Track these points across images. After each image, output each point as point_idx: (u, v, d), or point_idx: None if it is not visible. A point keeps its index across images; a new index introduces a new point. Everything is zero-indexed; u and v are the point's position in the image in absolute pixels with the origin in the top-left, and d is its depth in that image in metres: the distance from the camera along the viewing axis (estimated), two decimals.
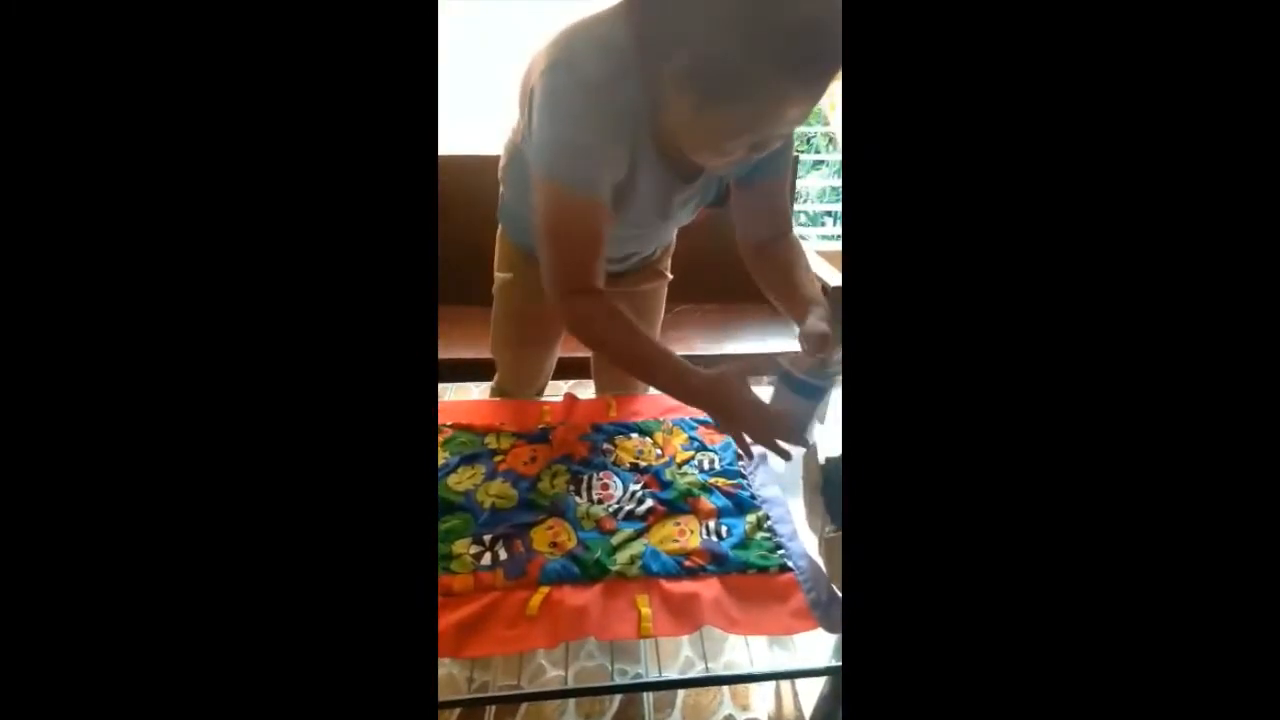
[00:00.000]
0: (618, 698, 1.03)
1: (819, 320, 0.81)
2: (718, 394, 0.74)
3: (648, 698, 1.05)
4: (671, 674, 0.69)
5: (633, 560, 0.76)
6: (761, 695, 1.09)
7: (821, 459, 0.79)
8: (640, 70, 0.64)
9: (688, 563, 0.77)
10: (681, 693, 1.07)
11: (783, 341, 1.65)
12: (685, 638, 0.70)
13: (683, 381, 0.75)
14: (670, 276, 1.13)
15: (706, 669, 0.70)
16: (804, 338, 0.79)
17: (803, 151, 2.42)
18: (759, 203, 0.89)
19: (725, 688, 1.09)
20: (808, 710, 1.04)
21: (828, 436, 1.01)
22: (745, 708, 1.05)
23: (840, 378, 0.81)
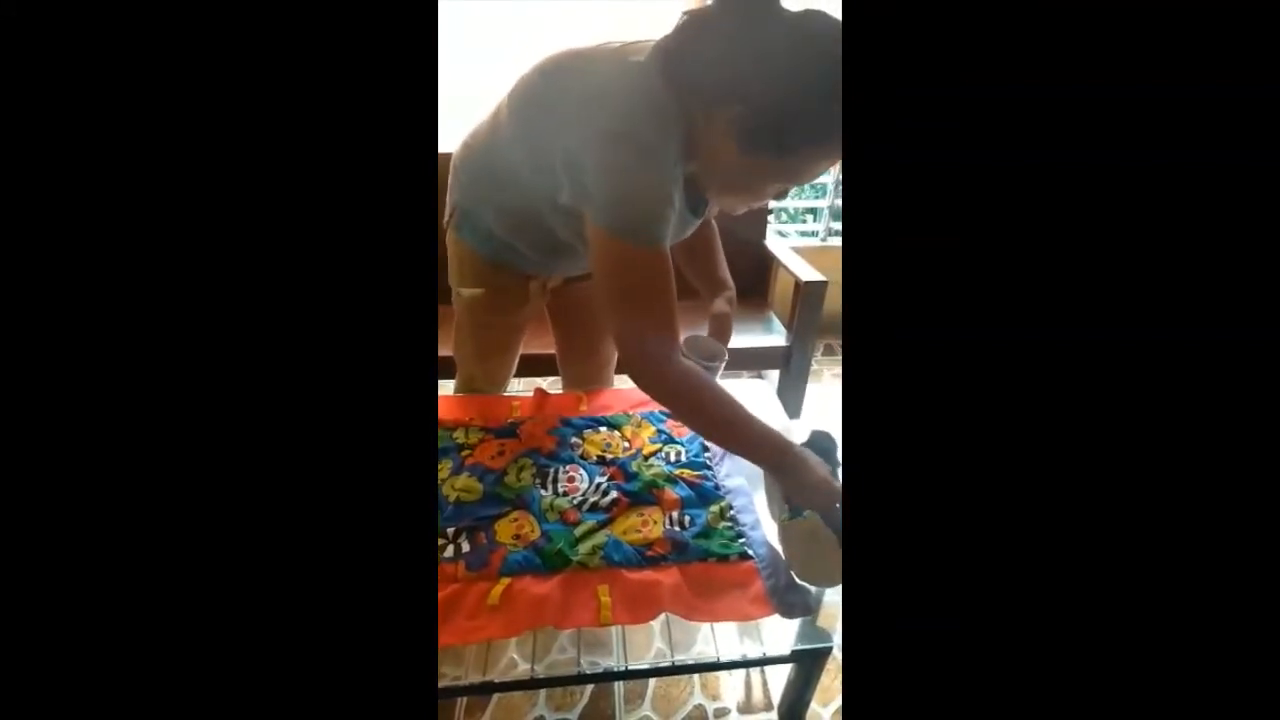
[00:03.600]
0: (589, 690, 1.04)
1: (724, 303, 0.89)
2: (799, 468, 0.73)
3: (618, 689, 1.06)
4: (640, 665, 0.70)
5: (594, 551, 0.77)
6: (731, 685, 1.10)
7: None
8: (678, 120, 0.63)
9: (649, 552, 0.79)
10: (652, 684, 1.09)
11: (754, 337, 1.67)
12: (656, 630, 0.71)
13: (770, 446, 0.73)
14: None
15: (673, 663, 0.71)
16: (712, 318, 0.87)
17: None
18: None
19: (695, 678, 1.10)
20: (775, 698, 1.06)
21: (791, 425, 1.03)
22: (715, 697, 1.06)
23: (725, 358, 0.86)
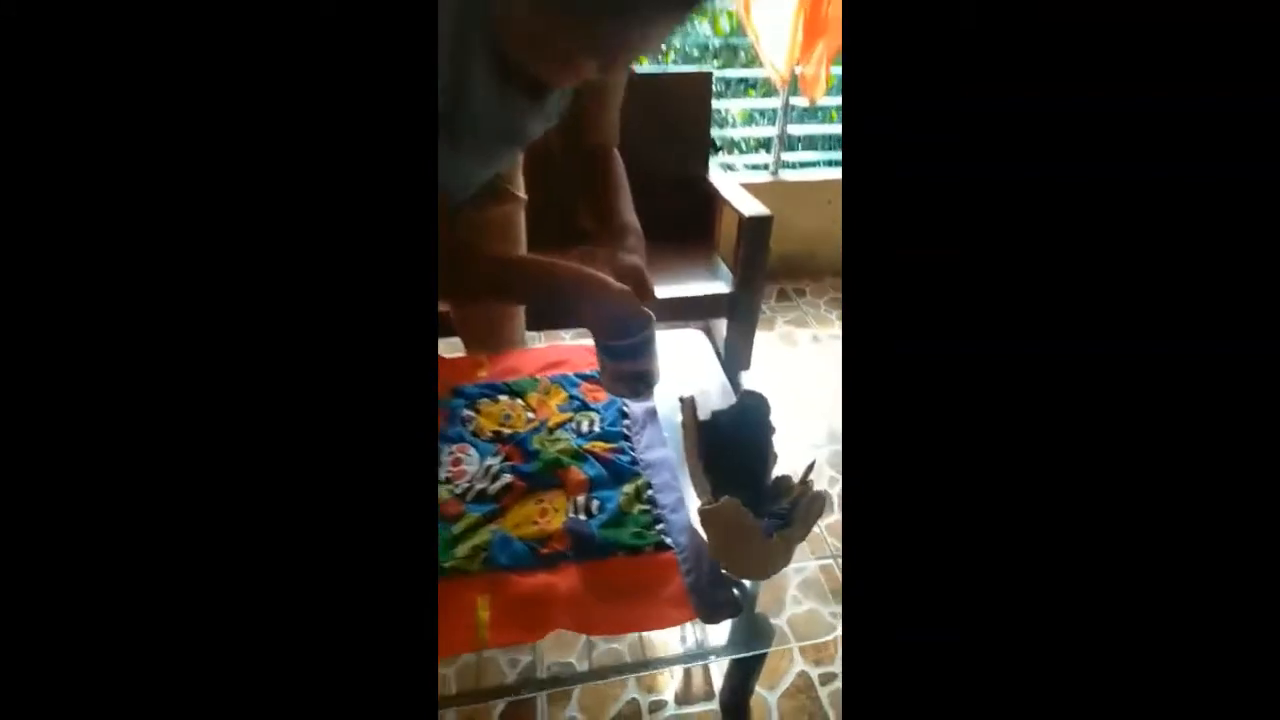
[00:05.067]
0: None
1: (630, 254, 0.69)
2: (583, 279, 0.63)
3: (542, 697, 0.94)
4: (562, 662, 0.57)
5: (475, 553, 0.63)
6: (668, 675, 0.99)
7: (705, 413, 0.66)
8: None
9: (545, 550, 0.64)
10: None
11: (698, 284, 1.51)
12: None
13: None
14: (524, 197, 0.95)
15: (591, 666, 0.58)
16: (619, 274, 0.67)
17: (724, 66, 2.21)
18: (577, 102, 0.73)
19: None
20: (717, 686, 0.95)
21: (712, 389, 0.89)
22: (651, 689, 0.95)
23: (652, 322, 0.67)
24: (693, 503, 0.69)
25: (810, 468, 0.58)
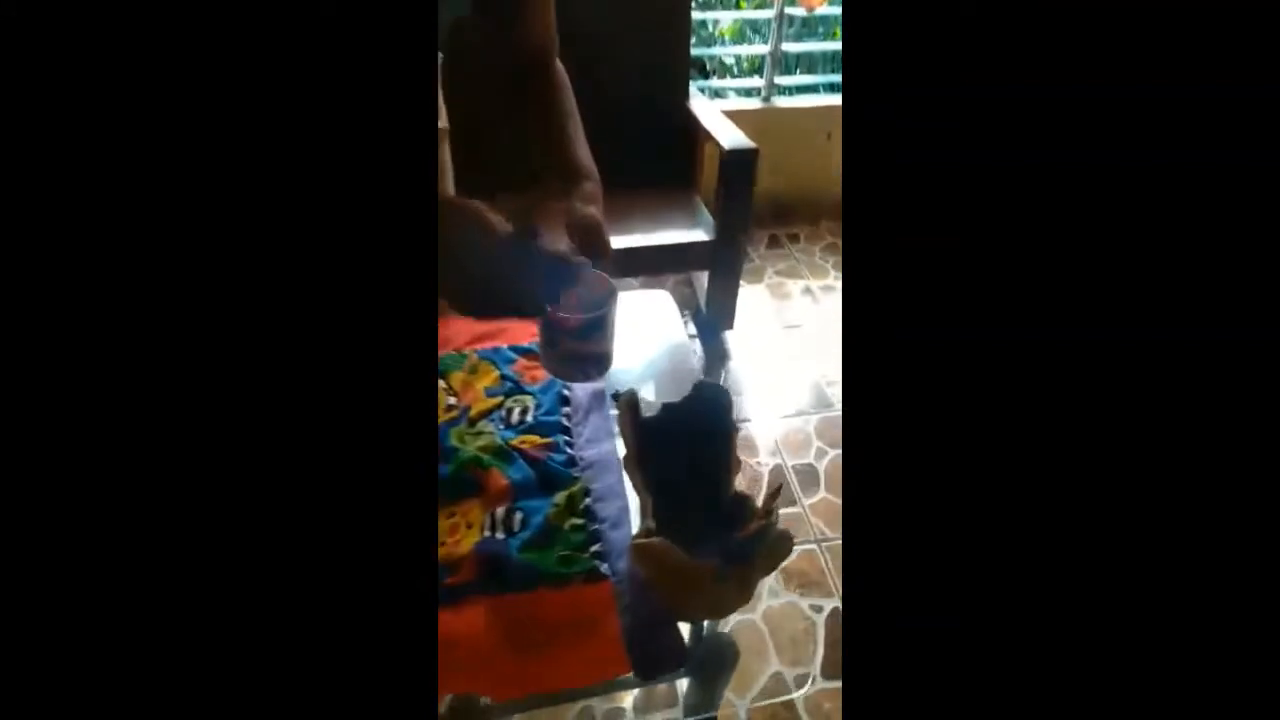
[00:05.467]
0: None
1: (584, 202, 0.52)
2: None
3: None
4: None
5: None
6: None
7: (654, 408, 0.52)
8: None
9: (449, 580, 0.51)
10: None
11: (674, 232, 1.33)
12: None
13: None
14: (444, 125, 0.78)
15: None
16: (570, 228, 0.50)
17: None
18: (510, 9, 0.56)
19: None
20: (681, 693, 0.85)
21: (676, 365, 0.75)
22: (608, 697, 0.85)
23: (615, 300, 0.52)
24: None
25: (777, 492, 0.44)
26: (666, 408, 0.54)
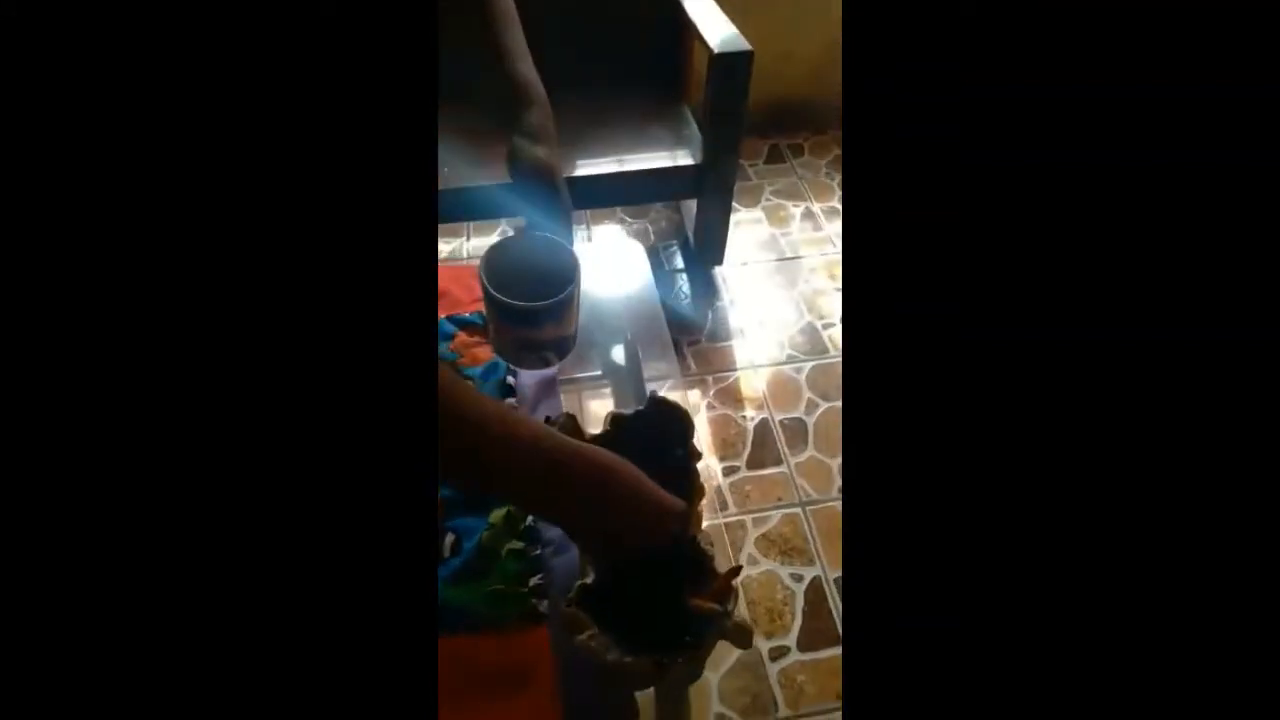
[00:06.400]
0: None
1: (534, 140, 0.43)
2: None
3: None
4: None
5: None
6: None
7: (607, 420, 0.43)
8: None
9: None
10: None
11: (657, 153, 1.16)
12: None
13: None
14: None
15: None
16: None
17: None
18: None
19: None
20: None
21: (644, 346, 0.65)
22: None
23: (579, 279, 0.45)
24: None
25: (735, 571, 0.36)
26: (612, 427, 0.44)
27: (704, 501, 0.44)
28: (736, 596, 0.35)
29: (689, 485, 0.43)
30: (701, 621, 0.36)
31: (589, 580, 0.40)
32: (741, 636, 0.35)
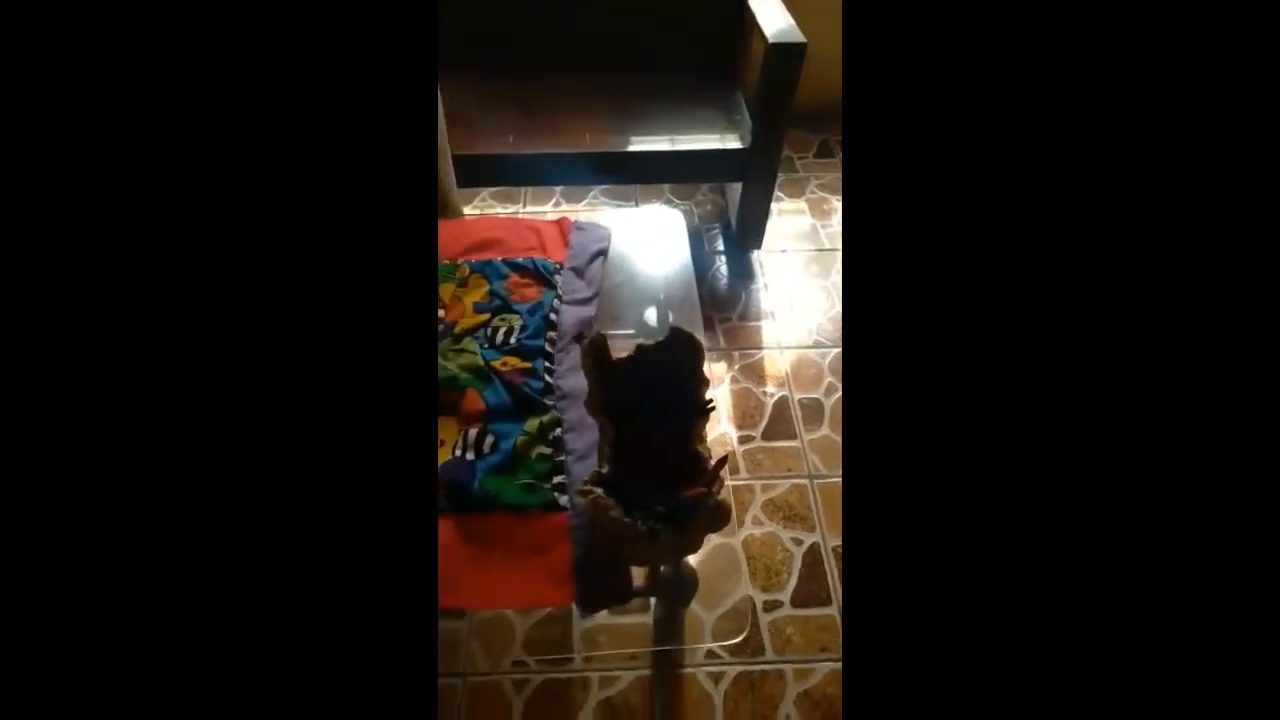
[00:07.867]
0: None
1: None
2: None
3: None
4: None
5: None
6: None
7: (629, 346, 0.51)
8: None
9: None
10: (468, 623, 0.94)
11: (707, 136, 1.23)
12: None
13: None
14: None
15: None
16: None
17: None
18: None
19: (513, 615, 0.95)
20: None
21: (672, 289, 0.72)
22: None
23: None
24: None
25: (723, 462, 0.43)
26: (635, 355, 0.52)
27: (712, 419, 0.52)
28: (722, 484, 0.43)
29: (695, 406, 0.51)
30: (687, 508, 0.43)
31: (604, 470, 0.48)
32: (720, 514, 0.42)
